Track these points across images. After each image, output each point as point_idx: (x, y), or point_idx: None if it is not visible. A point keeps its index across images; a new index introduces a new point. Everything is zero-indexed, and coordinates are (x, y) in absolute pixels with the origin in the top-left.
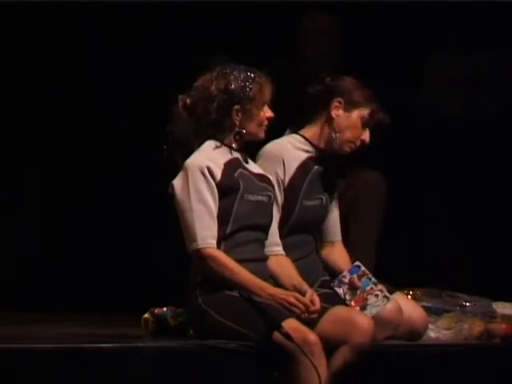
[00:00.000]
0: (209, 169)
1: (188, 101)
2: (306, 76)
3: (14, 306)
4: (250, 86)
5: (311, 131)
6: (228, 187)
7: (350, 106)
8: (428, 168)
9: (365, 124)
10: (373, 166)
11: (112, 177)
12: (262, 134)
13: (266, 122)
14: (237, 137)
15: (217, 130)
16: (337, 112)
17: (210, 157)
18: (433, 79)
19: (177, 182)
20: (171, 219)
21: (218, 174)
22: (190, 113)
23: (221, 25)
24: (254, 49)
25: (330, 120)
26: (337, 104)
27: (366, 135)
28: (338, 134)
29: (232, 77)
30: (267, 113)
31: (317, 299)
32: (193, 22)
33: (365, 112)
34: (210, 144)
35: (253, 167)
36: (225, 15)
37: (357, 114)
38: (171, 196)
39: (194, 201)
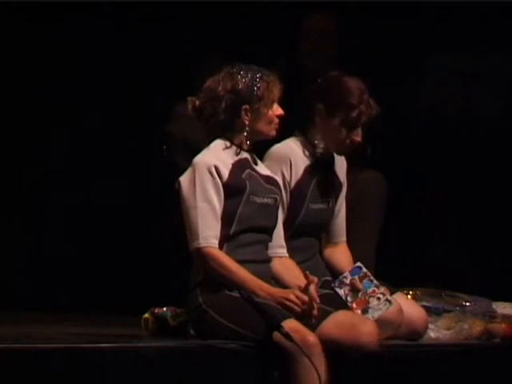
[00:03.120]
0: (216, 168)
1: (197, 102)
2: (305, 76)
3: (14, 305)
4: (258, 85)
5: (315, 133)
6: (234, 188)
7: (329, 111)
8: (428, 168)
9: (353, 126)
10: (373, 166)
11: (112, 176)
12: (273, 133)
13: (276, 120)
14: (248, 136)
15: (226, 131)
16: (319, 118)
17: (219, 156)
18: (433, 79)
19: (184, 179)
20: (171, 219)
21: (226, 174)
22: (199, 114)
23: (221, 25)
24: (254, 49)
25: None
26: (318, 109)
27: (357, 135)
28: (317, 142)
29: (239, 77)
30: (277, 111)
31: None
32: (192, 22)
33: (350, 115)
34: (219, 143)
35: (261, 169)
36: (224, 15)
37: (338, 120)
38: (177, 192)
39: (200, 199)
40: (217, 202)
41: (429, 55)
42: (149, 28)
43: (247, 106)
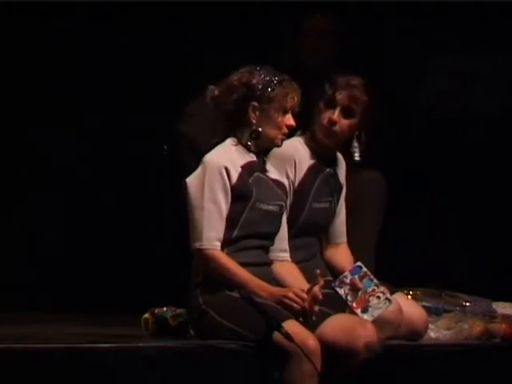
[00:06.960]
0: (226, 169)
1: (216, 92)
2: (305, 76)
3: (15, 305)
4: (274, 87)
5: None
6: (241, 193)
7: (323, 102)
8: (428, 168)
9: (330, 103)
10: (373, 166)
11: (112, 177)
12: (278, 142)
13: (285, 130)
14: (253, 135)
15: (234, 126)
16: (317, 115)
17: (230, 156)
18: (433, 79)
19: (193, 177)
20: (171, 220)
21: (235, 176)
22: (215, 104)
23: (221, 25)
24: (254, 49)
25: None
26: (318, 108)
27: (333, 114)
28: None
29: (257, 73)
30: (288, 120)
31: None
32: (192, 22)
33: (327, 93)
34: (230, 142)
35: (271, 172)
36: (224, 15)
37: (321, 102)
38: (184, 190)
39: (207, 199)
40: (224, 204)
41: (429, 55)
42: (149, 28)
43: (256, 104)
